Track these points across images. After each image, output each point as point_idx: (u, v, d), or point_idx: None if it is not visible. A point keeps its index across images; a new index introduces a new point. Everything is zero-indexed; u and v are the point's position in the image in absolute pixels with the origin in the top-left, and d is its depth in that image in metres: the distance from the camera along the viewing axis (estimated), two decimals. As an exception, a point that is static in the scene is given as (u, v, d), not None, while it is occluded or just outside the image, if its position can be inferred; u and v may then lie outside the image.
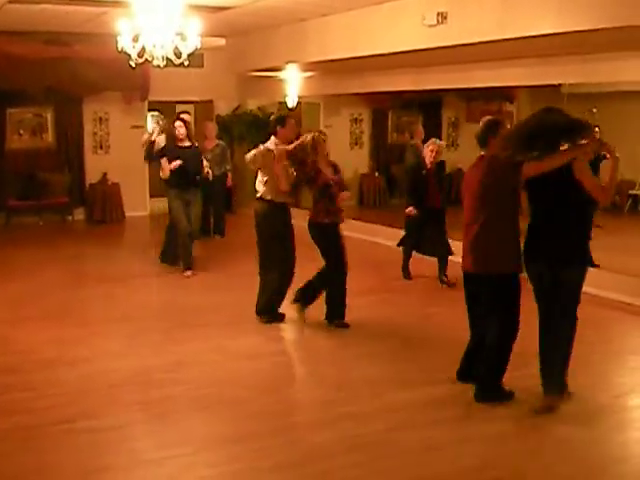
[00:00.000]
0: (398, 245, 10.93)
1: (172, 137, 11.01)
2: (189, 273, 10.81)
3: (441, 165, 10.55)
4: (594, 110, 13.90)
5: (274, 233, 8.38)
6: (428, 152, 10.35)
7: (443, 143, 10.80)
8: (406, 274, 10.81)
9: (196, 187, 11.04)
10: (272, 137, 8.42)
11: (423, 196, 10.30)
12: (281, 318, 8.58)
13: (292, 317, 8.57)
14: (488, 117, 6.62)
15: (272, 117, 9.43)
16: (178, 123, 11.02)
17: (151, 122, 19.06)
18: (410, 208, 10.40)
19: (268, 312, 8.54)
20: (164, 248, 11.53)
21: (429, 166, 10.31)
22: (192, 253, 10.97)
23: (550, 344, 6.19)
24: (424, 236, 10.46)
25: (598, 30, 8.01)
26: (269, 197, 8.37)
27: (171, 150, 10.83)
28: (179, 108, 19.50)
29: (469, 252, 6.30)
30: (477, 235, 6.21)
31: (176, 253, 11.16)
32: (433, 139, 10.75)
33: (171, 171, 10.67)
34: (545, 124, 6.05)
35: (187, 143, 10.96)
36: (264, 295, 8.59)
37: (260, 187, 8.42)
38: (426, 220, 10.31)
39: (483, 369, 6.36)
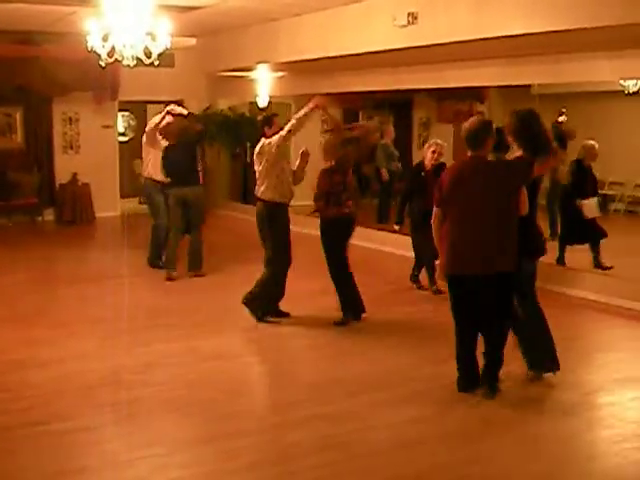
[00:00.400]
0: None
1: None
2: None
3: (441, 167, 9.51)
4: (564, 110, 14.00)
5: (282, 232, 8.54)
6: (429, 153, 9.78)
7: (445, 143, 10.18)
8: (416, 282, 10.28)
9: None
10: (262, 139, 8.52)
11: (423, 198, 9.31)
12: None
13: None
14: (478, 117, 6.65)
15: (259, 118, 9.47)
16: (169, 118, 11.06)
17: (122, 122, 19.03)
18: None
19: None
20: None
21: (428, 168, 9.74)
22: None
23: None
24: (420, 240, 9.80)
25: (568, 31, 8.06)
26: (275, 198, 8.46)
27: None
28: (150, 108, 19.54)
29: (481, 253, 6.29)
30: (495, 235, 6.27)
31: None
32: (434, 139, 10.29)
33: None
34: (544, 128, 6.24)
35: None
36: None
37: (263, 188, 8.51)
38: (423, 223, 9.41)
39: (496, 368, 6.45)
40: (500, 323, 6.38)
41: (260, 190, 8.48)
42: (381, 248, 12.42)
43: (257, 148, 8.57)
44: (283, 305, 8.63)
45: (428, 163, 9.76)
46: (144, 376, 6.93)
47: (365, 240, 11.49)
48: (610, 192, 15.72)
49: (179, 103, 12.31)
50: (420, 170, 9.92)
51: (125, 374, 6.94)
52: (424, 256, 9.91)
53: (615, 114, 14.85)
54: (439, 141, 10.05)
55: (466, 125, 6.40)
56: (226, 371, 7.14)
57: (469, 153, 6.40)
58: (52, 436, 5.64)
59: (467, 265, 6.35)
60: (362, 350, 7.72)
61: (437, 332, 6.84)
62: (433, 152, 9.72)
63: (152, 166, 11.12)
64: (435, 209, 6.49)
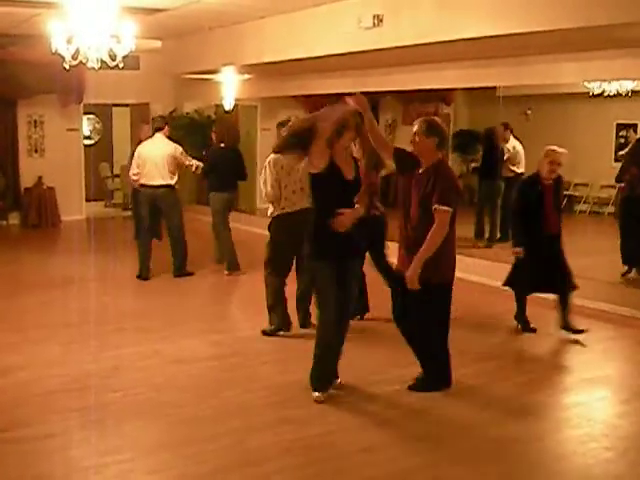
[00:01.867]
0: (505, 285, 8.58)
1: None
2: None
3: (559, 181, 8.33)
4: (529, 112, 14.09)
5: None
6: (546, 164, 8.14)
7: (565, 150, 8.23)
8: (524, 324, 8.60)
9: None
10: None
11: (538, 220, 8.15)
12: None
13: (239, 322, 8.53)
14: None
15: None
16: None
17: (87, 125, 18.92)
18: (518, 249, 8.23)
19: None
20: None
21: (547, 182, 8.19)
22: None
23: None
24: (539, 270, 8.20)
25: (532, 33, 8.10)
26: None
27: None
28: (115, 111, 19.43)
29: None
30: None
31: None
32: (551, 147, 8.27)
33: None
34: None
35: None
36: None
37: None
38: (540, 249, 8.15)
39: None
40: None
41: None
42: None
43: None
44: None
45: (547, 176, 8.20)
46: (109, 380, 6.88)
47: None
48: (575, 193, 15.86)
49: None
50: (535, 183, 8.28)
51: (90, 379, 6.88)
52: (557, 287, 8.36)
53: (580, 116, 14.98)
54: (558, 148, 8.25)
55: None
56: (192, 375, 7.11)
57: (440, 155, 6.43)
58: (15, 444, 5.56)
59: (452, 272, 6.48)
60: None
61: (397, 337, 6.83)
62: (552, 163, 8.13)
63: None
64: (449, 210, 6.21)
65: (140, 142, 11.46)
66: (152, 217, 11.03)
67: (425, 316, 6.41)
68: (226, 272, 11.36)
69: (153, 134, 11.11)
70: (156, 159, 10.81)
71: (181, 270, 11.07)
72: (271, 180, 8.09)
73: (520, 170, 13.20)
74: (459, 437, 5.80)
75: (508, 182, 13.14)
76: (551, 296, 8.44)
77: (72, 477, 5.13)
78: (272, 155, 8.04)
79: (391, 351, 7.41)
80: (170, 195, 10.96)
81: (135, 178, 10.93)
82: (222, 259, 11.66)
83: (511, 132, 13.48)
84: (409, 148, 6.55)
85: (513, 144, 13.43)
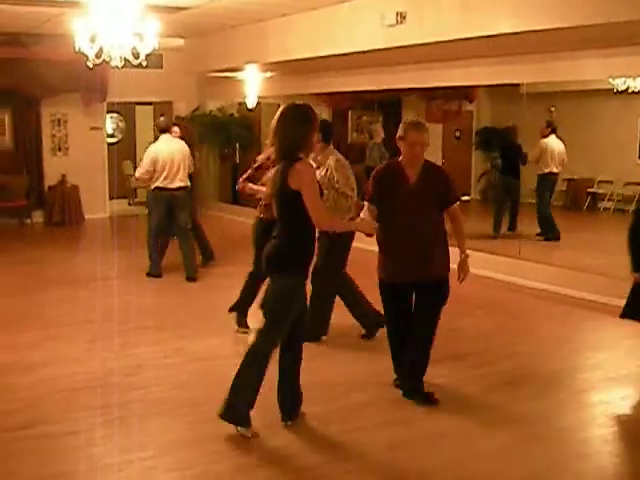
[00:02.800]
0: (622, 316, 7.29)
1: None
2: None
3: None
4: (552, 109, 14.01)
5: None
6: None
7: None
8: None
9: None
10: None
11: None
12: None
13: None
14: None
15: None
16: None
17: (110, 124, 18.98)
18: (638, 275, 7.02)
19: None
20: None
21: None
22: None
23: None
24: None
25: (556, 29, 8.05)
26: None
27: None
28: (138, 109, 19.49)
29: (423, 260, 6.22)
30: (431, 240, 6.25)
31: None
32: None
33: None
34: None
35: None
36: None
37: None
38: None
39: (423, 368, 6.41)
40: (434, 324, 6.46)
41: None
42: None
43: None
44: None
45: None
46: (132, 378, 6.89)
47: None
48: (599, 190, 15.77)
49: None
50: None
51: (113, 376, 6.90)
52: None
53: (604, 112, 14.87)
54: None
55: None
56: (215, 372, 7.10)
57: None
58: (38, 440, 5.59)
59: (408, 274, 6.36)
60: (345, 352, 7.70)
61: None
62: None
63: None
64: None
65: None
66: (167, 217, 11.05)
67: (437, 312, 6.37)
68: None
69: (159, 135, 11.10)
70: (177, 162, 10.82)
71: (196, 267, 11.15)
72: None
73: (547, 170, 13.25)
74: (482, 436, 5.78)
75: (538, 179, 13.31)
76: None
77: (95, 474, 5.14)
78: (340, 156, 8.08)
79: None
80: (186, 197, 11.04)
81: (146, 177, 10.85)
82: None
83: (552, 131, 13.49)
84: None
85: (546, 143, 13.43)
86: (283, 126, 5.47)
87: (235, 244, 12.26)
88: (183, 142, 11.11)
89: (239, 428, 5.66)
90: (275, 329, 5.64)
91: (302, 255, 5.60)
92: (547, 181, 13.57)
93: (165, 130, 11.02)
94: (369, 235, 6.20)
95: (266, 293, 5.69)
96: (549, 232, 13.33)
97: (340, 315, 8.18)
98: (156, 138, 11.20)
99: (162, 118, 11.72)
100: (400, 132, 6.35)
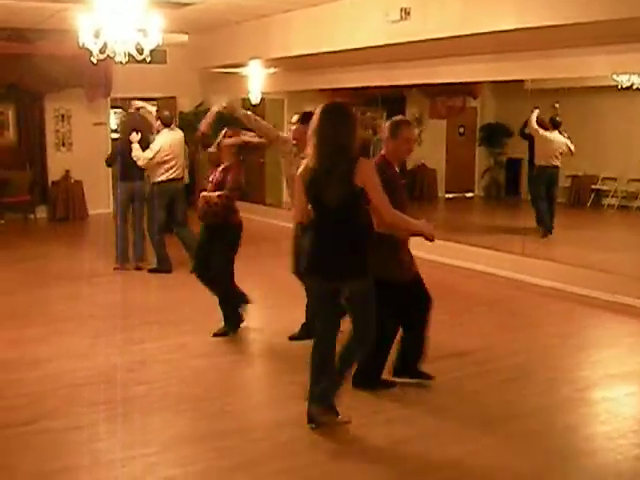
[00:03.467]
0: None
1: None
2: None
3: None
4: (556, 105, 14.00)
5: None
6: None
7: None
8: None
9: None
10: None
11: None
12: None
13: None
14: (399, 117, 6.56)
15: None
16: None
17: (114, 119, 18.96)
18: None
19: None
20: None
21: None
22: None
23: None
24: None
25: (561, 26, 8.04)
26: None
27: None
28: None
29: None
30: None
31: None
32: None
33: None
34: None
35: None
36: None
37: None
38: None
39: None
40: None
41: None
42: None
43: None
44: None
45: None
46: (136, 374, 6.90)
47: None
48: (604, 187, 15.75)
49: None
50: None
51: (116, 372, 6.90)
52: None
53: (608, 109, 14.85)
54: None
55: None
56: (218, 369, 7.11)
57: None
58: (42, 435, 5.61)
59: None
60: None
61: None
62: None
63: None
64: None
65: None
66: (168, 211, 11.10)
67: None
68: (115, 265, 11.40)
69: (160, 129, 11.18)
70: (181, 154, 11.02)
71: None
72: None
73: (544, 163, 13.42)
74: (484, 432, 5.77)
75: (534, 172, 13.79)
76: None
77: (98, 470, 5.14)
78: None
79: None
80: (184, 189, 11.28)
81: (157, 160, 10.90)
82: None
83: (552, 125, 13.61)
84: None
85: (544, 135, 13.57)
86: (333, 127, 5.37)
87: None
88: (181, 132, 11.26)
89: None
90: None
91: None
92: (543, 174, 13.70)
93: (169, 124, 11.10)
94: (430, 239, 5.89)
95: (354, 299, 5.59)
96: (541, 225, 13.49)
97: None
98: (158, 131, 11.26)
99: (166, 113, 11.73)
100: (391, 130, 6.27)
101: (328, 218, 5.46)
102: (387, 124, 6.38)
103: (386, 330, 6.24)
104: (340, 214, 5.40)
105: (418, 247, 6.48)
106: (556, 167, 13.59)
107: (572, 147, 13.40)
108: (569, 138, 13.49)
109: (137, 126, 11.27)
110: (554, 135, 13.56)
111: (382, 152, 6.35)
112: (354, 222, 5.43)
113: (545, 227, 13.33)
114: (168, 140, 10.94)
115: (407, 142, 6.25)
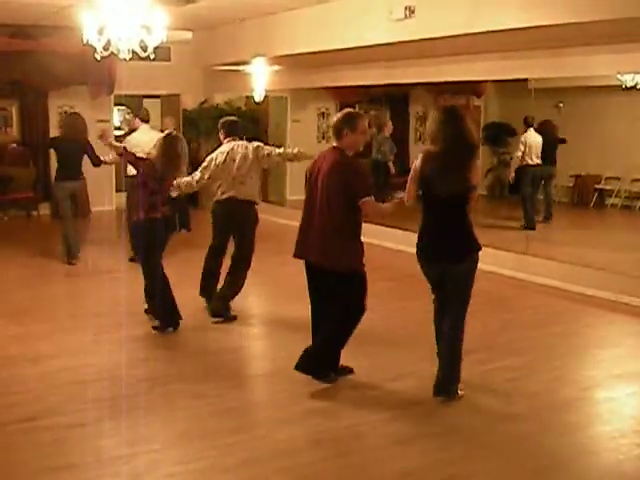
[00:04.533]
0: None
1: None
2: None
3: None
4: (560, 105, 13.99)
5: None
6: None
7: None
8: None
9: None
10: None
11: None
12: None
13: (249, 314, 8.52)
14: (347, 109, 6.58)
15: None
16: None
17: (118, 116, 18.98)
18: None
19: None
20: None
21: None
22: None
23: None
24: None
25: (565, 25, 8.03)
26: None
27: None
28: (146, 102, 19.45)
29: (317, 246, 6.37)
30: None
31: None
32: None
33: None
34: None
35: None
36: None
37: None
38: None
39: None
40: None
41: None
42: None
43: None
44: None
45: None
46: (139, 371, 6.90)
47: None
48: (607, 187, 15.74)
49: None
50: None
51: (120, 369, 6.91)
52: None
53: (612, 108, 14.84)
54: None
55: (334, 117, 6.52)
56: (221, 366, 7.11)
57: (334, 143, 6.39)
58: (45, 432, 5.61)
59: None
60: (353, 347, 7.68)
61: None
62: None
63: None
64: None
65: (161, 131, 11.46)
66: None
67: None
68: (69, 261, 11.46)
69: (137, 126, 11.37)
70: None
71: None
72: None
73: (528, 161, 13.92)
74: (487, 431, 5.77)
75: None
76: None
77: (102, 466, 5.15)
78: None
79: (413, 348, 7.39)
80: None
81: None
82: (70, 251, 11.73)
83: (529, 126, 13.94)
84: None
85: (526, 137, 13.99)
86: (458, 128, 5.93)
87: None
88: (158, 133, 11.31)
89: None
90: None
91: None
92: (527, 172, 14.02)
93: (147, 121, 11.46)
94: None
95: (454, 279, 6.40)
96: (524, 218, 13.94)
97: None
98: (135, 129, 11.47)
99: (144, 109, 11.91)
100: (349, 124, 6.32)
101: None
102: (340, 117, 6.41)
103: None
104: (449, 210, 6.15)
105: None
106: (538, 165, 13.83)
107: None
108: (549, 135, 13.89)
109: (78, 126, 11.68)
110: (530, 134, 13.74)
111: (335, 145, 6.37)
112: (459, 215, 6.23)
113: (528, 221, 13.82)
114: (147, 137, 11.06)
115: (364, 134, 6.42)
